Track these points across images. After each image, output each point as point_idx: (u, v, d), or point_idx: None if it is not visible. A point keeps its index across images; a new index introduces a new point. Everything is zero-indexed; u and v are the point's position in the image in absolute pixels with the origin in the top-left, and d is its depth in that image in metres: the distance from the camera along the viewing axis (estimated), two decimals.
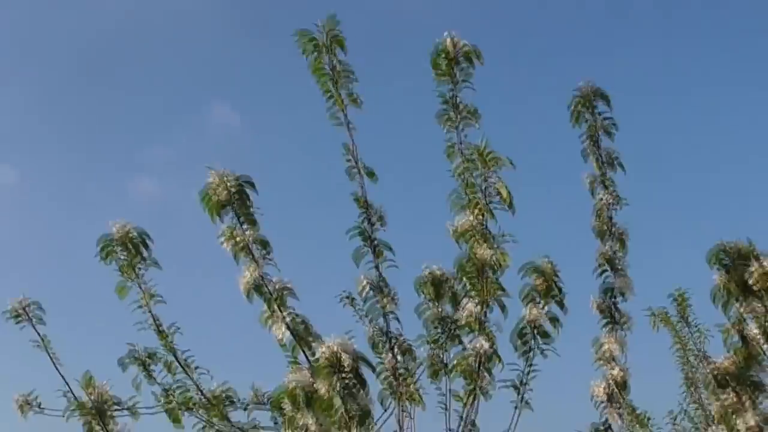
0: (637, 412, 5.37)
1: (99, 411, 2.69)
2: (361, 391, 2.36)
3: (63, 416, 2.75)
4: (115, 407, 2.79)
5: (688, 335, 6.19)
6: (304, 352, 3.07)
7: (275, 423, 3.31)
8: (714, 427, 2.91)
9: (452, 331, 3.31)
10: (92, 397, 2.70)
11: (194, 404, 3.37)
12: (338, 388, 2.33)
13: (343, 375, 2.34)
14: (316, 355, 3.01)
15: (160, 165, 10.29)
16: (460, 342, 3.30)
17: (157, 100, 11.09)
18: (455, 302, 3.32)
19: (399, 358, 3.35)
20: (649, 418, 5.48)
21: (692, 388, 5.98)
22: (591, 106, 3.46)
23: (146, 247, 3.22)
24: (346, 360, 2.33)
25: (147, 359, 3.42)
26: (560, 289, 3.06)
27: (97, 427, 2.71)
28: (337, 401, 2.32)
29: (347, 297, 3.72)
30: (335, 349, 2.34)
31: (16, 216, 10.61)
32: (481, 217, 3.10)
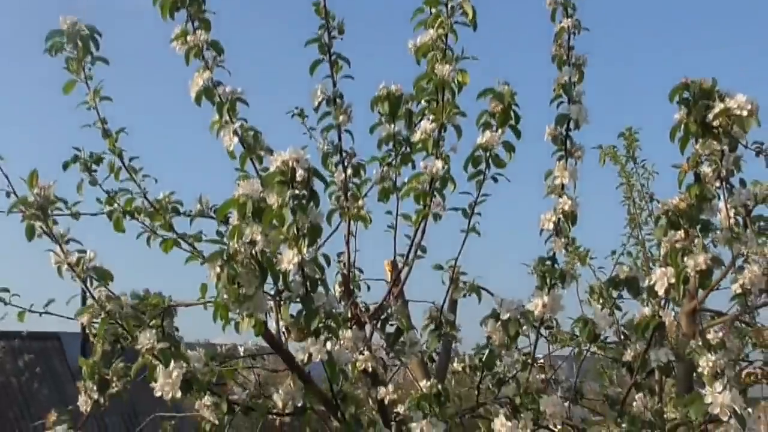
0: (579, 248, 5.39)
1: (42, 209, 2.60)
2: (313, 206, 2.29)
3: (6, 213, 2.67)
4: (57, 209, 2.71)
5: (634, 172, 6.25)
6: (253, 163, 3.01)
7: (220, 235, 3.27)
8: (659, 265, 2.91)
9: (405, 152, 3.26)
10: (36, 195, 2.61)
11: (138, 210, 3.31)
12: (289, 201, 2.25)
13: (295, 187, 2.26)
14: (267, 167, 2.97)
15: None
16: (413, 164, 3.26)
17: None
18: (410, 123, 3.25)
19: (349, 173, 3.31)
20: (591, 257, 5.52)
21: (635, 228, 6.05)
22: None
23: (96, 43, 3.09)
24: (300, 172, 2.25)
25: (91, 162, 3.34)
26: (517, 116, 3.00)
27: (39, 225, 2.63)
28: (288, 214, 2.25)
29: (298, 113, 3.66)
30: (288, 159, 2.26)
31: None
32: (442, 31, 3.01)
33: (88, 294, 2.64)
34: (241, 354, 2.96)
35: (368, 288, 3.36)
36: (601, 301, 4.29)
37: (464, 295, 3.18)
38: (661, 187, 6.14)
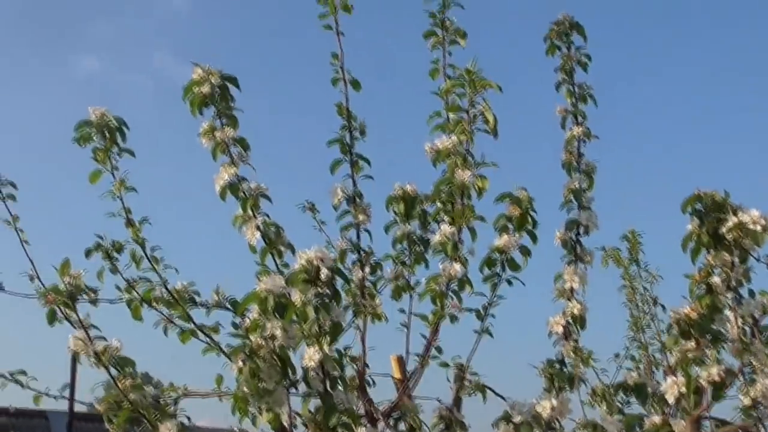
0: (582, 350, 5.39)
1: (71, 297, 2.66)
2: (335, 304, 2.34)
3: (40, 302, 2.72)
4: (81, 297, 2.76)
5: (637, 275, 6.28)
6: (273, 258, 3.06)
7: (236, 327, 3.30)
8: (668, 374, 2.94)
9: (420, 251, 3.32)
10: (68, 284, 2.66)
11: (156, 300, 3.35)
12: (313, 299, 2.30)
13: (319, 286, 2.31)
14: (287, 263, 3.03)
15: (103, 43, 10.01)
16: (426, 263, 3.32)
17: None
18: (425, 223, 3.32)
19: (366, 272, 3.36)
20: (593, 359, 5.51)
21: (638, 331, 6.07)
22: (567, 38, 3.45)
23: (123, 135, 3.16)
24: (324, 271, 2.30)
25: (113, 250, 3.39)
26: (534, 220, 3.06)
27: (67, 312, 2.68)
28: (311, 312, 2.30)
29: (309, 207, 3.72)
30: (314, 258, 2.31)
31: None
32: (463, 139, 3.08)
33: (111, 381, 2.67)
34: None
35: (373, 383, 3.39)
36: (604, 404, 4.31)
37: (469, 394, 3.22)
38: (665, 291, 6.18)
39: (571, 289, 3.09)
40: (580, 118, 3.39)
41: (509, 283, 3.06)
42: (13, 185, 3.44)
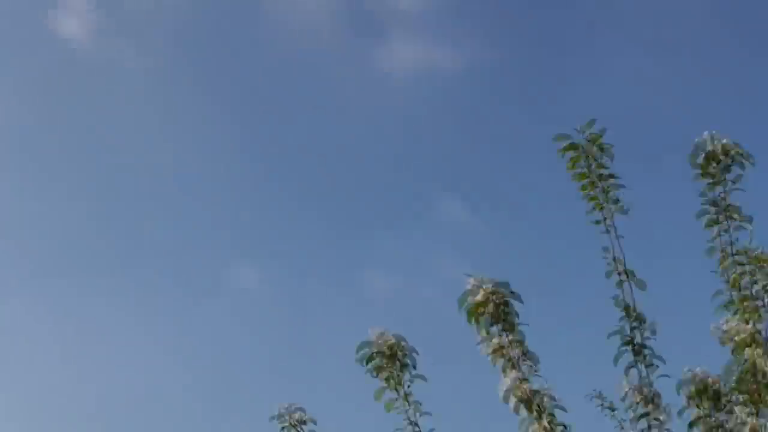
0: None
1: None
2: None
3: None
4: None
5: None
6: None
7: None
8: None
9: None
10: None
11: None
12: None
13: None
14: None
15: (392, 259, 10.34)
16: None
17: (389, 193, 11.17)
18: (730, 411, 3.17)
19: None
20: None
21: None
22: None
23: (413, 360, 3.21)
24: None
25: None
26: None
27: None
28: None
29: (607, 406, 3.63)
30: None
31: (257, 321, 10.80)
32: (759, 325, 2.97)
33: None
34: None
35: None
36: None
37: None
38: None
39: None
40: None
41: None
42: (313, 422, 3.51)
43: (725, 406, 3.18)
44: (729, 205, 3.29)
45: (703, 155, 3.29)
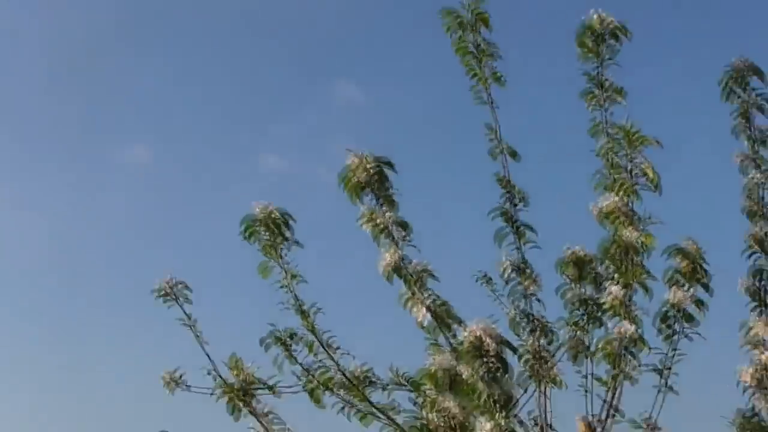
0: None
1: (245, 392, 2.73)
2: (505, 376, 2.33)
3: (211, 395, 2.80)
4: (259, 387, 2.83)
5: None
6: (444, 334, 3.06)
7: (415, 404, 3.31)
8: None
9: (594, 314, 3.26)
10: (239, 378, 2.74)
11: (335, 384, 3.38)
12: (482, 373, 2.30)
13: (487, 359, 2.31)
14: (458, 338, 3.03)
15: (287, 142, 10.30)
16: (602, 324, 3.26)
17: (283, 78, 11.06)
18: (597, 284, 3.27)
19: (541, 340, 3.32)
20: None
21: None
22: (744, 82, 3.37)
23: (288, 227, 3.24)
24: (490, 344, 2.30)
25: (288, 339, 3.45)
26: (706, 272, 2.98)
27: (242, 406, 2.75)
28: (481, 386, 2.30)
29: (484, 277, 3.69)
30: (479, 333, 2.32)
31: (151, 195, 10.77)
32: (626, 198, 3.03)
33: None
34: None
35: None
36: None
37: None
38: None
39: (763, 340, 2.98)
40: (761, 165, 3.30)
41: (687, 337, 2.97)
42: (188, 288, 3.53)
43: (594, 277, 3.28)
44: (605, 79, 3.35)
45: (585, 30, 3.33)
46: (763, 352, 2.95)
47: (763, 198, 3.27)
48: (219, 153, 10.59)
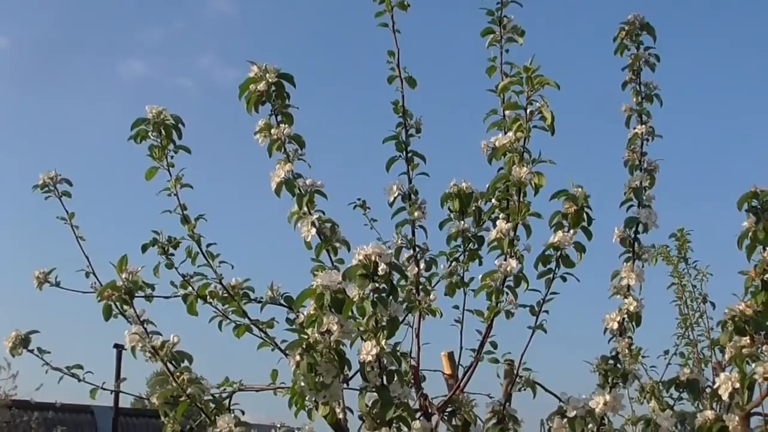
0: (632, 346, 5.39)
1: (129, 293, 2.70)
2: (392, 299, 2.35)
3: (94, 294, 2.77)
4: (138, 293, 2.80)
5: (686, 273, 6.29)
6: (329, 254, 3.08)
7: (290, 322, 3.33)
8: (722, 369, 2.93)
9: (473, 248, 3.33)
10: (125, 280, 2.71)
11: (212, 295, 3.38)
12: (370, 294, 2.32)
13: (377, 281, 2.32)
14: (342, 258, 3.05)
15: (151, 48, 10.10)
16: (480, 260, 3.33)
17: None
18: (479, 220, 3.34)
19: (421, 268, 3.38)
20: (643, 355, 5.52)
21: (687, 328, 6.07)
22: (636, 38, 3.44)
23: (179, 132, 3.20)
24: (381, 266, 2.32)
25: (169, 246, 3.43)
26: (589, 218, 3.05)
27: (125, 308, 2.72)
28: (369, 307, 2.32)
29: (360, 204, 3.73)
30: (371, 254, 2.33)
31: (9, 83, 10.48)
32: (520, 136, 3.08)
33: (169, 376, 2.70)
34: None
35: (424, 378, 3.39)
36: (653, 400, 4.30)
37: (520, 390, 3.22)
38: (714, 289, 6.17)
39: (628, 287, 3.07)
40: (644, 117, 3.38)
41: (564, 279, 3.05)
42: (69, 182, 3.48)
43: (477, 213, 3.33)
44: (505, 17, 3.40)
45: None
46: (629, 300, 3.05)
47: (643, 151, 3.35)
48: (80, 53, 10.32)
